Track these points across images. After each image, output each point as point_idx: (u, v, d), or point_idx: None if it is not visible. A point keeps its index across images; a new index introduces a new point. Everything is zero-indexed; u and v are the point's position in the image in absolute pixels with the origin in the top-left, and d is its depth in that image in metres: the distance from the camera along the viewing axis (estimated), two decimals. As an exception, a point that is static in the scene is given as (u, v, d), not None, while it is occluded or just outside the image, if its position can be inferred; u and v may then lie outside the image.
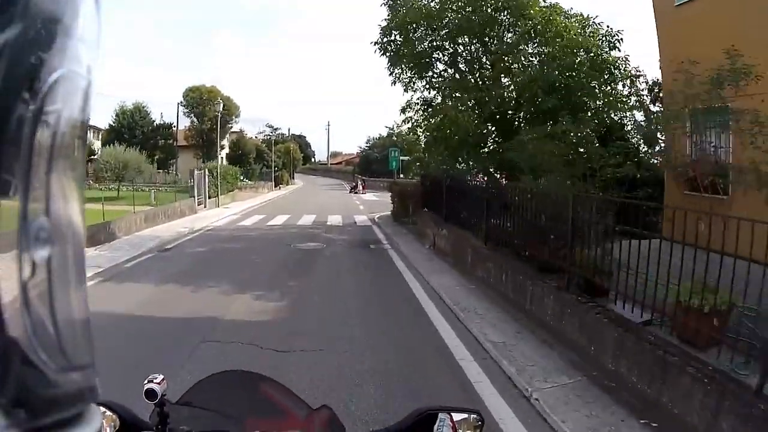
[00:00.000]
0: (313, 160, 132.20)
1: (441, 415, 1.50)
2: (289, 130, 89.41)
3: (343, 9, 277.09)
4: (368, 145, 74.32)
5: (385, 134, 67.68)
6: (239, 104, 57.12)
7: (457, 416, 1.51)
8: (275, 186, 59.17)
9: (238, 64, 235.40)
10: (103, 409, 1.39)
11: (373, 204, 36.56)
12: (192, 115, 56.06)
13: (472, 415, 1.55)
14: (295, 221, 25.24)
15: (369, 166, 69.45)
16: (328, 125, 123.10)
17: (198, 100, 55.36)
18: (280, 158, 72.76)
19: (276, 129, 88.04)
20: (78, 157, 0.57)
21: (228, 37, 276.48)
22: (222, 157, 59.15)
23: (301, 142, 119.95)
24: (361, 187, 53.73)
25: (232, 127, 57.76)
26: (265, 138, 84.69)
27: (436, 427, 1.48)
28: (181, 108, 55.46)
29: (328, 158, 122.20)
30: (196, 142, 55.90)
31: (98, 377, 0.58)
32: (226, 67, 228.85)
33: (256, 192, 49.59)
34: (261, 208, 32.88)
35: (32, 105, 0.49)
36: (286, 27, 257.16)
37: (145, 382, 1.42)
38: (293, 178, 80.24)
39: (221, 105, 48.13)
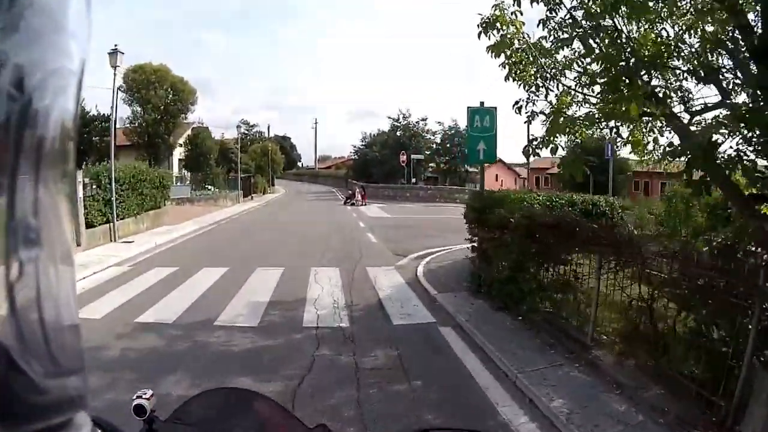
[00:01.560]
0: (299, 165, 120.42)
1: None
2: (268, 127, 76.37)
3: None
4: (364, 143, 61.21)
5: (387, 128, 54.88)
6: (196, 88, 43.96)
7: None
8: (246, 196, 46.11)
9: (226, 64, 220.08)
10: (91, 425, 1.00)
11: (387, 227, 24.02)
12: (134, 103, 42.73)
13: None
14: (214, 308, 9.59)
15: (366, 169, 56.88)
16: (315, 123, 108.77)
17: (142, 84, 42.07)
18: (254, 161, 59.60)
19: (252, 126, 74.95)
20: (68, 156, 0.55)
21: (216, 36, 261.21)
22: (179, 158, 46.41)
23: (285, 143, 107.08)
24: (359, 197, 40.92)
25: (186, 117, 44.38)
26: (240, 137, 71.56)
27: None
28: (121, 95, 42.09)
29: (315, 161, 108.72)
30: (139, 139, 42.57)
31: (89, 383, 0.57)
32: (214, 67, 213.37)
33: (213, 205, 36.65)
34: (188, 242, 19.41)
35: (20, 102, 0.49)
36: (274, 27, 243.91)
37: (134, 397, 1.36)
38: (273, 185, 67.12)
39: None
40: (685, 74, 6.93)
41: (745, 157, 5.58)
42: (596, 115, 7.04)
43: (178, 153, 47.05)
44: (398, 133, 53.78)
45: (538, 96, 7.88)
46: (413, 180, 48.65)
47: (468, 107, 11.35)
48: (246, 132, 73.96)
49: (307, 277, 12.50)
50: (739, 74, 6.53)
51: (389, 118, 54.83)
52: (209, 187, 45.31)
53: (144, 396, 1.38)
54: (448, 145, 51.95)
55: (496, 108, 11.39)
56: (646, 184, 55.14)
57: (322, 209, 35.32)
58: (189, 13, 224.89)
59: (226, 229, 23.79)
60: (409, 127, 53.20)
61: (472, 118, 11.24)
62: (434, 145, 53.81)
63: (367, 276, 12.78)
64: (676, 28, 6.96)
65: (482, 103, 11.48)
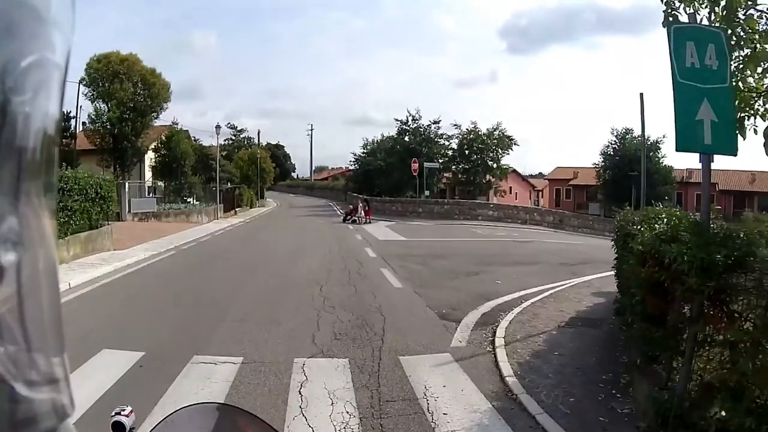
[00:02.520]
0: (294, 175, 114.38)
1: None
2: (258, 133, 70.04)
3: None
4: (366, 151, 54.90)
5: (394, 133, 48.66)
6: (170, 82, 37.78)
7: None
8: (228, 210, 39.84)
9: (217, 67, 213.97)
10: None
11: (408, 258, 18.19)
12: (96, 98, 36.63)
13: None
14: None
15: (369, 180, 51.16)
16: (311, 129, 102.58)
17: (107, 76, 36.00)
18: (240, 169, 53.29)
19: (240, 131, 68.43)
20: (50, 153, 0.53)
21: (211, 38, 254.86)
22: (152, 165, 40.11)
23: (278, 152, 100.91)
24: (362, 213, 34.57)
25: (158, 117, 38.20)
26: (224, 142, 65.35)
27: None
28: (82, 89, 36.29)
29: (311, 171, 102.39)
30: (102, 141, 36.39)
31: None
32: (203, 70, 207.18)
33: (185, 222, 30.76)
34: (117, 283, 13.17)
35: None
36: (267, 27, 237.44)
37: (112, 414, 1.38)
38: (263, 197, 60.88)
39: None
40: None
41: None
42: None
43: (150, 159, 40.93)
44: (407, 138, 47.46)
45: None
46: (426, 193, 42.28)
47: (672, 25, 5.02)
48: (233, 138, 67.55)
49: (286, 391, 6.15)
50: None
51: (396, 120, 48.57)
52: (188, 199, 39.25)
53: (123, 413, 1.38)
54: (466, 152, 45.51)
55: (724, 30, 5.08)
56: (679, 195, 49.21)
57: (318, 229, 29.04)
58: (180, 13, 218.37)
59: (183, 258, 17.38)
60: (419, 131, 46.83)
61: (680, 49, 4.88)
62: (450, 152, 47.36)
63: (408, 386, 6.41)
64: None
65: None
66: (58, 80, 0.51)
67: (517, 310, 10.13)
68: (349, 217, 34.98)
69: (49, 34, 0.49)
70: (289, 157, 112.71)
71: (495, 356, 7.51)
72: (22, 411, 0.48)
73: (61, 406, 0.53)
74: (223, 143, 64.58)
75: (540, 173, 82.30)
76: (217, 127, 36.58)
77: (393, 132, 50.15)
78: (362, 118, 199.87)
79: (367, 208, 35.48)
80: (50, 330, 0.53)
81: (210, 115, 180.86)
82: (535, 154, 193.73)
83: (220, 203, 37.48)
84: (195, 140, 50.71)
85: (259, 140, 69.43)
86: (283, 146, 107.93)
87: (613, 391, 6.27)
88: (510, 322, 9.24)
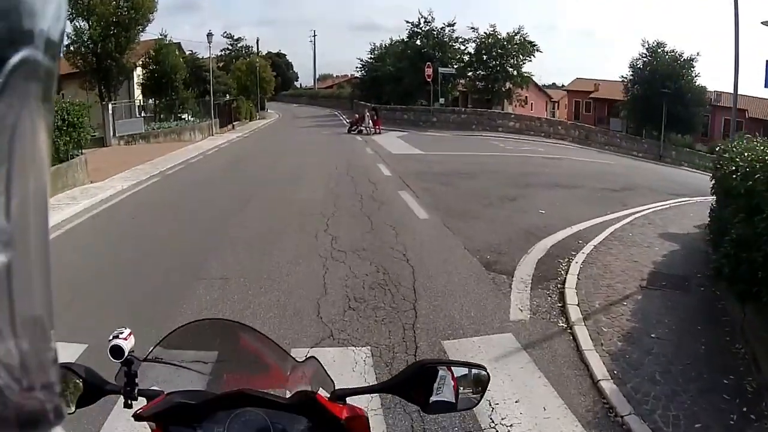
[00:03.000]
0: (297, 85, 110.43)
1: (441, 372, 1.48)
2: (257, 41, 65.86)
3: None
4: (373, 57, 51.50)
5: (405, 36, 45.34)
6: None
7: (459, 371, 1.49)
8: (225, 125, 37.36)
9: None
10: (62, 371, 1.34)
11: (428, 176, 16.15)
12: (76, 17, 33.45)
13: (474, 370, 1.53)
14: None
15: (376, 88, 47.77)
16: (314, 35, 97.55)
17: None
18: (238, 80, 50.30)
19: (237, 40, 64.44)
20: (42, 151, 0.52)
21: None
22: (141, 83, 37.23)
23: (279, 61, 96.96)
24: (370, 123, 32.37)
25: (144, 30, 34.93)
26: (222, 54, 61.88)
27: (435, 384, 1.46)
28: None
29: (314, 80, 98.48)
30: (84, 62, 33.40)
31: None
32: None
33: (176, 141, 28.83)
34: (81, 229, 11.18)
35: None
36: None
37: (110, 338, 1.37)
38: (263, 108, 58.06)
39: None
40: None
41: None
42: None
43: (138, 77, 38.05)
44: (418, 42, 43.85)
45: None
46: (440, 101, 39.23)
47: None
48: (229, 47, 63.70)
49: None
50: None
51: (407, 22, 44.43)
52: (183, 116, 36.73)
53: (121, 336, 1.37)
54: (484, 57, 42.07)
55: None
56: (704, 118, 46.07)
57: (323, 142, 26.65)
58: None
59: (166, 187, 15.13)
60: (432, 35, 43.19)
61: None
62: (466, 57, 43.86)
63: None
64: None
65: None
66: (47, 76, 0.49)
67: (579, 258, 7.90)
68: (354, 127, 32.53)
69: (39, 29, 0.47)
70: (292, 65, 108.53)
71: (575, 339, 5.36)
72: (12, 416, 0.47)
73: (52, 410, 0.51)
74: (219, 54, 61.52)
75: (554, 84, 78.37)
76: (209, 35, 33.59)
77: (403, 37, 46.56)
78: (368, 23, 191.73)
79: (375, 117, 33.05)
80: (40, 332, 0.51)
81: (208, 27, 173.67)
82: (550, 63, 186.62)
83: (215, 118, 34.93)
84: (192, 53, 47.84)
85: (258, 48, 65.72)
86: (284, 54, 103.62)
87: (745, 409, 4.21)
88: (578, 278, 7.05)
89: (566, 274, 7.21)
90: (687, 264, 7.82)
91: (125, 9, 32.96)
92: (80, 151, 15.86)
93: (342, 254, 7.82)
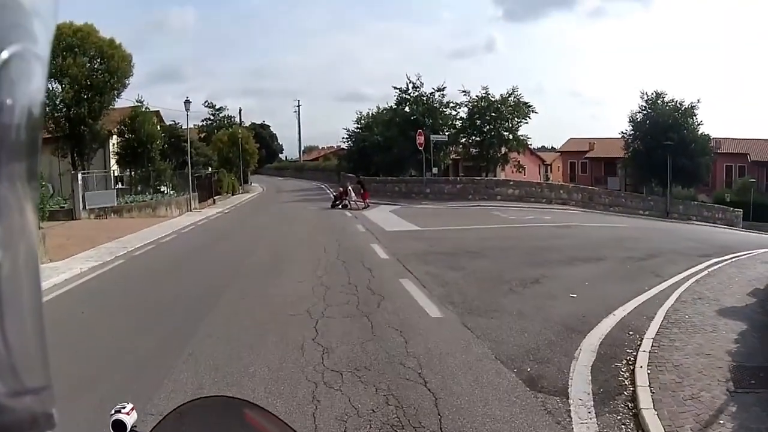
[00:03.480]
0: (282, 157, 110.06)
1: None
2: (240, 111, 65.21)
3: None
4: (360, 126, 50.88)
5: (393, 102, 44.55)
6: (132, 54, 33.57)
7: None
8: (205, 199, 35.78)
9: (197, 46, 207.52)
10: None
11: (435, 259, 14.60)
12: (50, 78, 32.14)
13: None
14: None
15: (364, 159, 47.02)
16: (298, 105, 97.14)
17: (59, 51, 31.99)
18: (220, 152, 49.20)
19: (219, 110, 63.65)
20: (33, 151, 0.52)
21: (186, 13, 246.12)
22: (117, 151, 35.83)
23: (263, 132, 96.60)
24: (354, 196, 31.11)
25: (118, 94, 33.91)
26: (201, 124, 60.99)
27: None
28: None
29: (299, 151, 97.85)
30: (56, 127, 32.42)
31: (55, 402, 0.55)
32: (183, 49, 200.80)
33: (151, 216, 27.22)
34: None
35: None
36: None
37: (112, 411, 1.33)
38: (246, 182, 56.79)
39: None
40: None
41: None
42: None
43: (114, 146, 36.69)
44: (407, 109, 42.93)
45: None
46: (434, 170, 37.93)
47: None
48: (210, 117, 62.86)
49: None
50: None
51: (395, 88, 43.58)
52: (162, 188, 35.21)
53: (123, 410, 1.35)
54: (477, 122, 41.05)
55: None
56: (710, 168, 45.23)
57: (309, 219, 25.11)
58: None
59: (128, 272, 13.35)
60: (422, 100, 42.27)
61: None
62: (459, 123, 42.84)
63: None
64: None
65: None
66: (40, 71, 0.50)
67: (642, 359, 6.23)
68: (338, 201, 30.92)
69: (31, 24, 0.48)
70: (276, 137, 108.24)
71: None
72: (3, 422, 0.47)
73: (44, 416, 0.51)
74: (200, 124, 60.74)
75: (543, 146, 78.42)
76: (186, 102, 32.20)
77: (391, 104, 45.71)
78: (353, 93, 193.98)
79: (362, 190, 31.60)
80: (32, 336, 0.52)
81: (191, 98, 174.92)
82: (540, 126, 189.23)
83: (194, 192, 33.34)
84: (174, 123, 46.96)
85: (240, 118, 65.07)
86: (268, 126, 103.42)
87: None
88: (652, 391, 5.41)
89: (635, 387, 5.53)
90: (766, 347, 6.59)
91: (99, 72, 32.08)
92: (39, 226, 14.13)
93: (337, 376, 5.93)
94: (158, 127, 41.41)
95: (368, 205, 30.40)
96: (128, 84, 34.37)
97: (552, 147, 77.02)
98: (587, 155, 62.07)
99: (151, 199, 29.83)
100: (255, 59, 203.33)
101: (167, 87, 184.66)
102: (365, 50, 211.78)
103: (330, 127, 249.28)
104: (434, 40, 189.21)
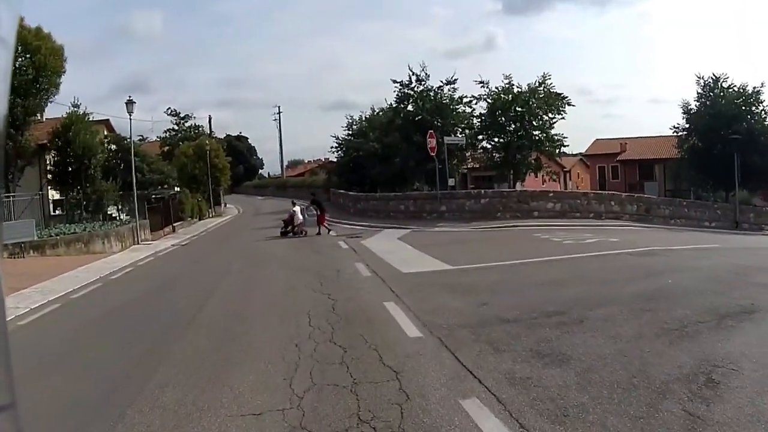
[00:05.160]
0: (263, 173, 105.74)
1: None
2: (210, 120, 60.33)
3: None
4: (352, 132, 47.09)
5: (392, 100, 39.89)
6: (63, 46, 29.71)
7: None
8: (163, 226, 31.18)
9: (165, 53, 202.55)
10: None
11: (528, 367, 9.45)
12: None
13: None
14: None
15: (358, 170, 43.02)
16: (279, 112, 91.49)
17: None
18: (184, 168, 44.50)
19: (184, 118, 58.48)
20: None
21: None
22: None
23: (240, 145, 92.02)
24: (301, 218, 26.73)
25: (47, 99, 29.58)
26: (166, 136, 56.20)
27: None
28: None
29: (281, 166, 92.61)
30: None
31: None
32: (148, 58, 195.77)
33: (83, 253, 22.93)
34: None
35: None
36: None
37: None
38: (219, 204, 52.09)
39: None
40: None
41: None
42: None
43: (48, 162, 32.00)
44: (410, 107, 38.21)
45: None
46: (450, 182, 32.81)
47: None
48: (175, 128, 57.75)
49: None
50: None
51: (395, 82, 38.84)
52: (114, 214, 30.59)
53: None
54: (501, 119, 36.32)
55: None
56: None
57: (291, 253, 20.46)
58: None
59: (17, 349, 8.26)
60: (428, 96, 37.50)
61: None
62: (478, 122, 37.68)
63: None
64: None
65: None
66: (2, 65, 0.44)
67: None
68: (287, 228, 26.75)
69: None
70: (255, 150, 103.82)
71: None
72: None
73: None
74: (162, 136, 56.12)
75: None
76: (129, 102, 27.24)
77: (390, 102, 40.94)
78: (340, 101, 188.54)
79: (316, 211, 27.36)
80: None
81: (160, 110, 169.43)
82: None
83: (142, 219, 28.63)
84: (140, 138, 42.68)
85: (210, 128, 60.10)
86: (246, 138, 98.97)
87: None
88: None
89: None
90: None
91: (23, 70, 27.44)
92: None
93: None
94: (104, 138, 36.92)
95: (328, 229, 26.51)
96: (60, 84, 29.89)
97: (571, 152, 72.43)
98: (619, 158, 57.96)
99: (84, 230, 24.88)
100: (230, 68, 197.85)
101: (134, 100, 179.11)
102: (351, 55, 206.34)
103: (316, 140, 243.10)
104: (427, 41, 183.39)
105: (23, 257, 22.00)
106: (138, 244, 26.41)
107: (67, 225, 26.55)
